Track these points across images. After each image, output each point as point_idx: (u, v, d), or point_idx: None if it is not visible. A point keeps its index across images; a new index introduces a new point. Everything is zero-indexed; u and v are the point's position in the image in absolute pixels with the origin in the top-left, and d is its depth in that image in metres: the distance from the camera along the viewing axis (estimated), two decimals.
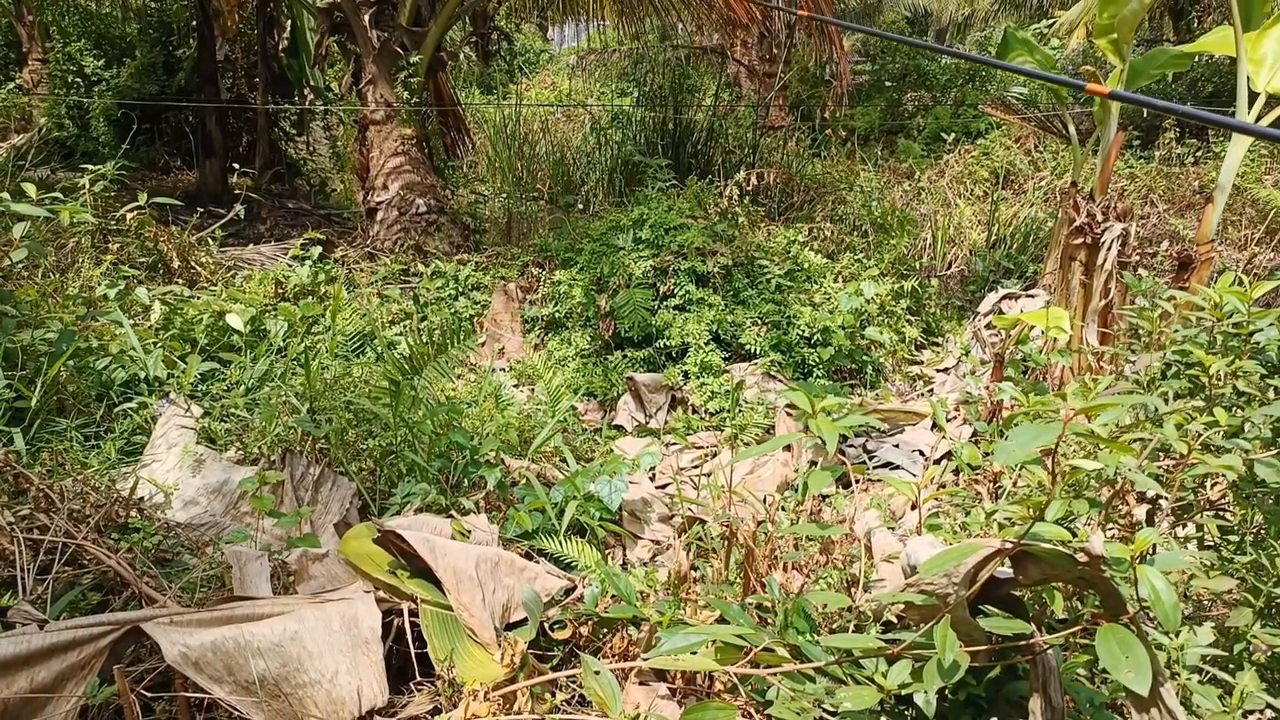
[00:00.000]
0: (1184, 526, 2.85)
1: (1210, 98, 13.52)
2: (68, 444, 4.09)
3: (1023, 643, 1.71)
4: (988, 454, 4.45)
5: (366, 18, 8.20)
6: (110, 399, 4.83)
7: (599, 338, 6.42)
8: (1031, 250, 8.82)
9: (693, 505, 4.43)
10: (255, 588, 2.83)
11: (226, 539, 3.29)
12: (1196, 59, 11.33)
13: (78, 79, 11.79)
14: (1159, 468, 2.43)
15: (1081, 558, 1.60)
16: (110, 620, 2.37)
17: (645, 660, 2.45)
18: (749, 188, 7.54)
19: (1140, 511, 2.87)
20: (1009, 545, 1.65)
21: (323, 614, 2.50)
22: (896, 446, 5.14)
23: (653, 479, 4.90)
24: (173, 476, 3.87)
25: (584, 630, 2.74)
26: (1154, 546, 2.38)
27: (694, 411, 5.75)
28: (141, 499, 3.51)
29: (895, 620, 2.16)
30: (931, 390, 6.04)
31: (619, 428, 5.77)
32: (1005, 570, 1.79)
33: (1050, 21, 15.17)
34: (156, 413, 4.49)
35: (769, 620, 2.50)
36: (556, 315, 6.83)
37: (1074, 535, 2.30)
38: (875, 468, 5.00)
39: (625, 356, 6.23)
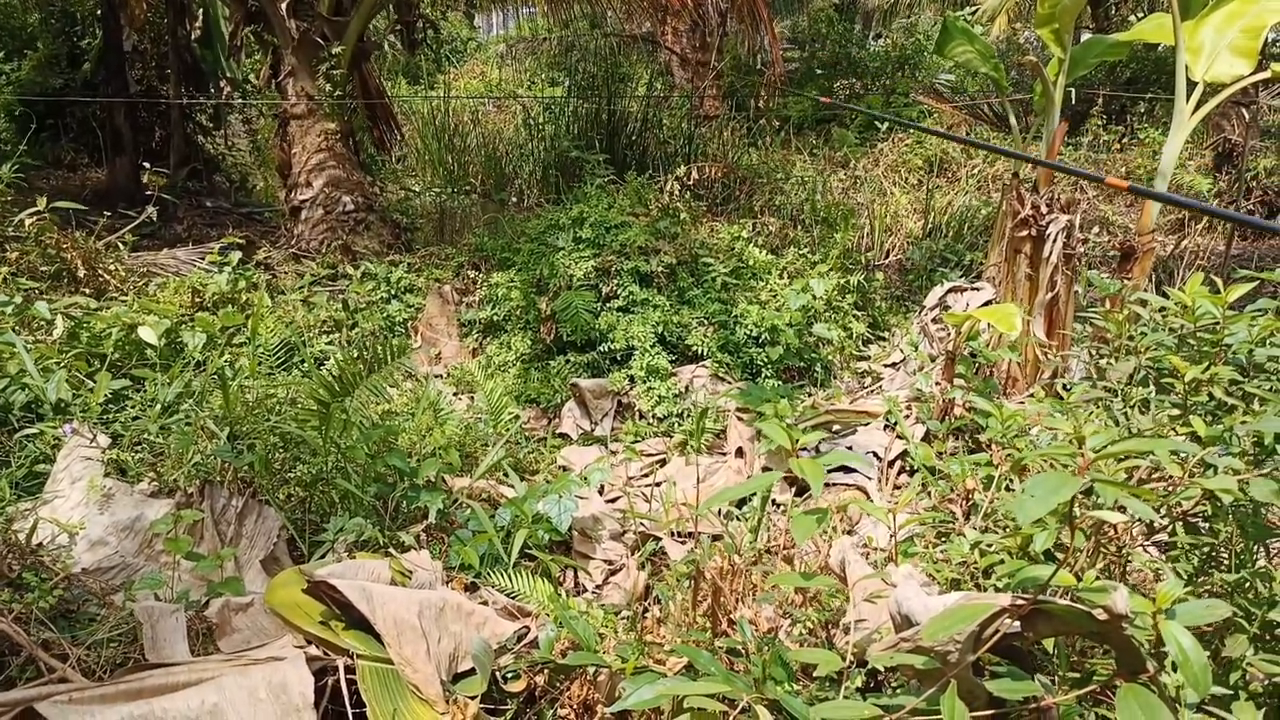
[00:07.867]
0: (1159, 534, 2.75)
1: (1129, 83, 13.78)
2: None
3: (1032, 706, 1.56)
4: (940, 453, 4.36)
5: (284, 7, 7.75)
6: (10, 424, 4.43)
7: (540, 342, 6.17)
8: (968, 238, 8.82)
9: (645, 520, 4.25)
10: (170, 648, 2.54)
11: (138, 586, 2.99)
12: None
13: None
14: (1153, 489, 2.31)
15: (1099, 615, 1.45)
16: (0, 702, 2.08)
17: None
18: (690, 181, 7.34)
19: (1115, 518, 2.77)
20: (1021, 603, 1.49)
21: (247, 680, 2.24)
22: (850, 448, 5.02)
23: (601, 492, 4.70)
24: (78, 514, 3.51)
25: (539, 679, 2.52)
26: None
27: (641, 417, 5.55)
28: (40, 544, 3.18)
29: (882, 668, 2.00)
30: (881, 387, 5.94)
31: (564, 436, 5.54)
32: (1013, 625, 1.64)
33: (973, 9, 15.25)
34: (63, 435, 4.11)
35: (738, 664, 2.32)
36: (495, 318, 6.56)
37: (1062, 564, 2.16)
38: (830, 471, 4.87)
39: (568, 361, 6.00)
